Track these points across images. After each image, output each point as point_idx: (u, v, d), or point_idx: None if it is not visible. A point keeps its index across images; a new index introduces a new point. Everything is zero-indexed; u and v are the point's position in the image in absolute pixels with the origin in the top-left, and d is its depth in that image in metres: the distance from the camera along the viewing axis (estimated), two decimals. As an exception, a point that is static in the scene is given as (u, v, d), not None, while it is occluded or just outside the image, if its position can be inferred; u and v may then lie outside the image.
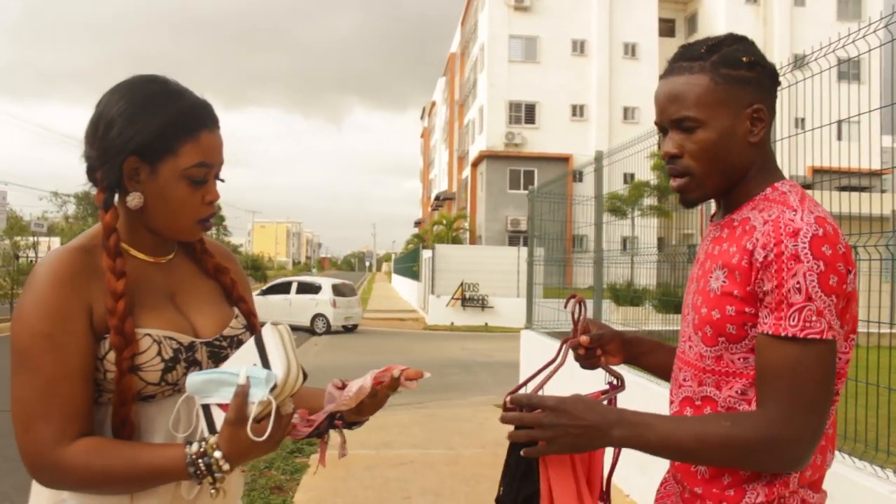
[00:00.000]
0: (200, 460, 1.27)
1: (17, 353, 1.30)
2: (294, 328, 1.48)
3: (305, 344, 17.52)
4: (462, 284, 23.64)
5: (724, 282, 1.37)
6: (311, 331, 20.28)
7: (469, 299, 23.65)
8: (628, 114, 37.69)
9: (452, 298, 23.63)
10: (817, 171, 4.08)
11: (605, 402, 1.47)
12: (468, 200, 41.94)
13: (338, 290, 21.08)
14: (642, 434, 1.33)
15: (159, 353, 1.37)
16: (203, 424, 1.31)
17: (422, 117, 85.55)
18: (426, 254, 27.48)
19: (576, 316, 1.68)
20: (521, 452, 1.39)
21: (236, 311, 1.58)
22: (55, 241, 31.70)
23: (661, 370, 1.72)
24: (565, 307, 1.71)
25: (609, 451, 1.52)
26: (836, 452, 3.11)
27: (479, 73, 40.12)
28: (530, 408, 1.35)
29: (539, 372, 1.63)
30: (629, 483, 5.04)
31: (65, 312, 1.30)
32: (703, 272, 1.47)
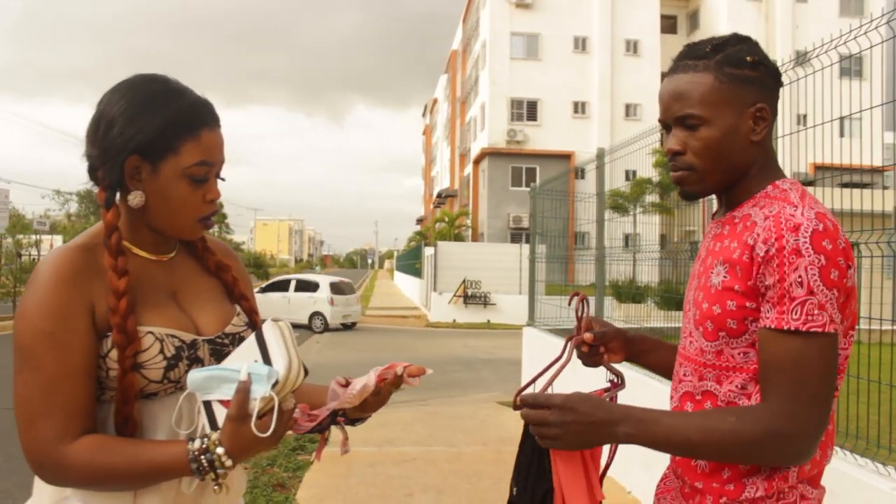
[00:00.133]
0: (203, 456, 1.27)
1: (20, 351, 1.31)
2: (293, 326, 1.49)
3: (307, 341, 17.53)
4: (464, 282, 23.64)
5: (725, 277, 1.38)
6: (308, 329, 20.28)
7: (471, 296, 23.65)
8: (630, 111, 37.64)
9: (454, 296, 23.63)
10: (819, 168, 4.07)
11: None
12: (470, 198, 41.92)
13: (336, 289, 21.06)
14: (648, 430, 1.34)
15: (161, 351, 1.37)
16: (205, 421, 1.32)
17: (424, 114, 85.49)
18: (428, 251, 27.46)
19: (580, 313, 1.70)
20: (538, 444, 1.42)
21: (238, 308, 1.59)
22: (57, 240, 31.73)
23: (662, 368, 1.74)
24: (569, 305, 1.73)
25: (605, 448, 1.53)
26: (838, 449, 3.12)
27: (481, 71, 40.08)
28: (538, 406, 1.37)
29: (546, 369, 1.65)
30: (630, 479, 5.05)
31: (67, 311, 1.31)
32: (704, 268, 1.48)
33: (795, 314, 1.28)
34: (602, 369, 1.75)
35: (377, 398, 1.51)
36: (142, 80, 1.44)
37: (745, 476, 1.37)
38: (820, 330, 1.28)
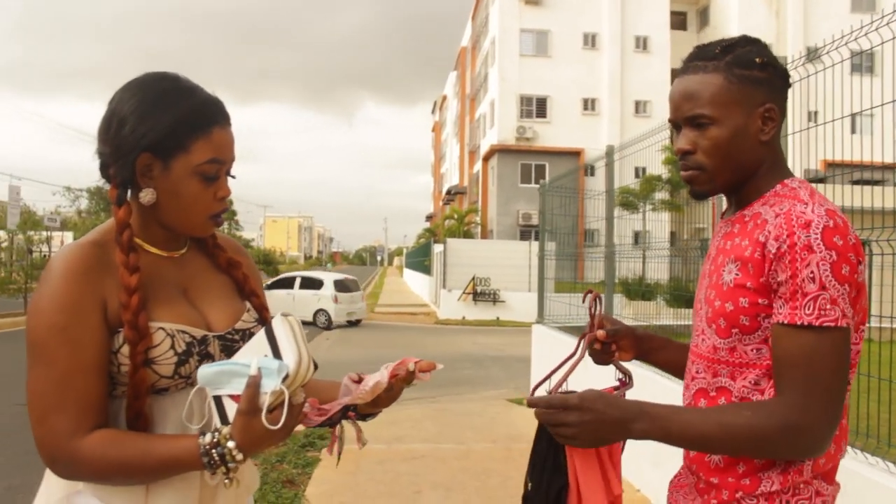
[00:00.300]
0: (214, 450, 1.28)
1: (33, 346, 1.32)
2: None
3: (317, 338, 17.57)
4: (473, 279, 23.63)
5: (738, 274, 1.40)
6: (313, 326, 20.29)
7: (480, 294, 23.64)
8: (640, 107, 37.50)
9: (464, 293, 23.63)
10: (831, 165, 4.05)
11: None
12: (479, 195, 41.89)
13: (341, 286, 21.07)
14: (664, 426, 1.36)
15: (172, 347, 1.38)
16: (215, 415, 1.33)
17: (433, 112, 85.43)
18: (437, 248, 27.47)
19: (594, 311, 1.72)
20: (556, 440, 1.44)
21: (248, 304, 1.60)
22: (68, 236, 31.89)
23: (671, 366, 1.77)
24: (583, 302, 1.75)
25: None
26: (849, 448, 3.11)
27: (491, 68, 40.01)
28: (553, 407, 1.39)
29: (560, 366, 1.68)
30: (640, 477, 5.04)
31: (79, 306, 1.32)
32: (715, 267, 1.50)
33: (808, 309, 1.30)
34: (610, 368, 1.77)
35: (389, 394, 1.52)
36: (153, 78, 1.45)
37: (760, 470, 1.39)
38: (832, 324, 1.29)
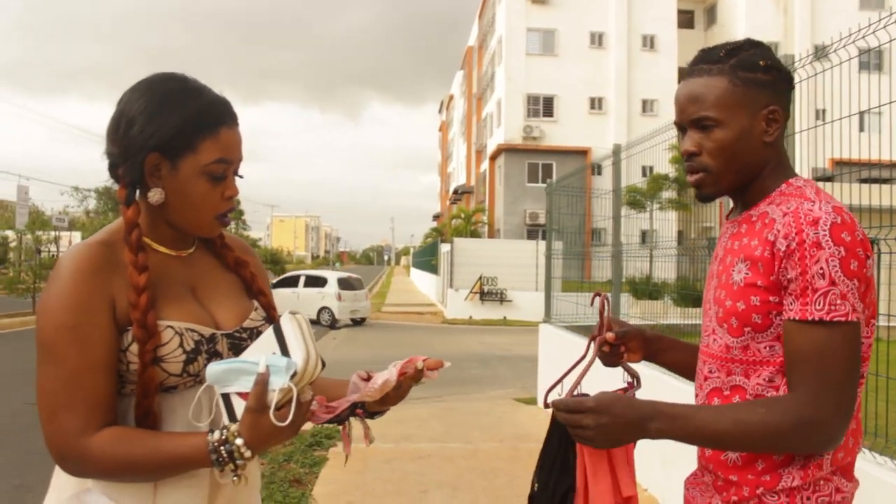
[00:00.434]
0: (222, 448, 1.29)
1: (43, 344, 1.33)
2: None
3: (324, 338, 17.60)
4: (480, 278, 23.63)
5: (748, 273, 1.42)
6: (317, 324, 20.33)
7: (488, 293, 23.64)
8: (647, 106, 37.44)
9: (471, 292, 23.63)
10: (839, 163, 4.03)
11: None
12: (486, 194, 41.90)
13: (344, 284, 21.14)
14: (679, 425, 1.38)
15: (181, 345, 1.39)
16: (224, 413, 1.34)
17: (440, 111, 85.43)
18: (444, 247, 27.45)
19: (604, 313, 1.74)
20: (574, 440, 1.47)
21: (255, 303, 1.61)
22: (76, 236, 32.01)
23: (680, 367, 1.80)
24: (591, 304, 1.78)
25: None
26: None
27: (497, 67, 40.00)
28: (571, 412, 1.41)
29: (571, 369, 1.72)
30: (648, 477, 5.03)
31: (89, 305, 1.33)
32: (723, 267, 1.52)
33: (819, 305, 1.32)
34: (618, 370, 1.79)
35: (397, 392, 1.53)
36: (160, 78, 1.46)
37: (780, 466, 1.40)
38: (843, 319, 1.31)
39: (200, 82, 1.49)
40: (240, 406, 1.31)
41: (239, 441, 1.28)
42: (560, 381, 1.71)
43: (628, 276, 7.53)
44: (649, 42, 37.84)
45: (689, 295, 6.79)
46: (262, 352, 1.31)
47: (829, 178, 4.15)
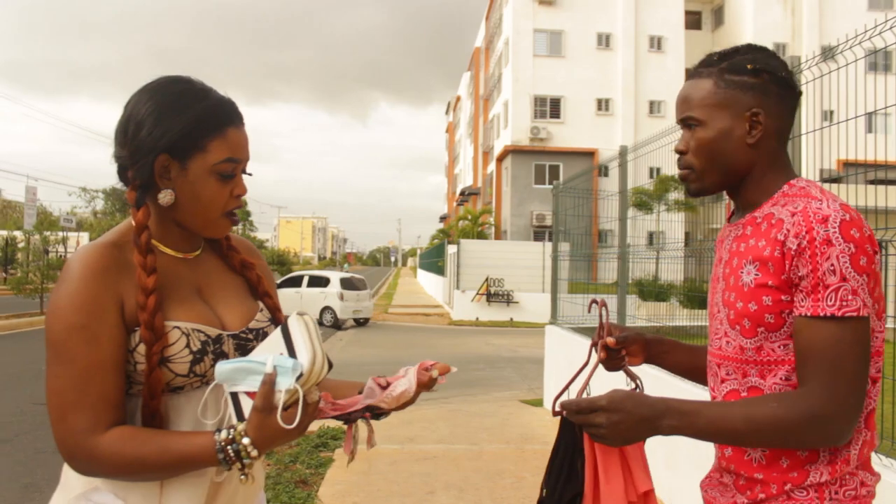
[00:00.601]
0: (229, 447, 1.30)
1: (52, 344, 1.34)
2: None
3: (331, 339, 17.63)
4: (487, 280, 23.63)
5: (758, 274, 1.44)
6: (320, 324, 20.34)
7: (494, 294, 23.63)
8: (654, 108, 37.39)
9: (477, 294, 23.62)
10: (846, 165, 4.02)
11: None
12: (493, 195, 41.88)
13: (347, 284, 21.22)
14: (691, 421, 1.40)
15: (188, 346, 1.40)
16: (231, 412, 1.35)
17: (447, 112, 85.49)
18: (451, 249, 27.47)
19: (603, 319, 1.76)
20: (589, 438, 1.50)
21: (261, 305, 1.62)
22: (84, 237, 32.15)
23: (681, 368, 1.82)
24: (589, 311, 1.79)
25: None
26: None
27: (504, 68, 40.01)
28: (584, 411, 1.43)
29: (576, 376, 1.75)
30: (653, 477, 5.02)
31: (98, 305, 1.34)
32: (731, 270, 1.53)
33: (830, 301, 1.34)
34: (620, 374, 1.81)
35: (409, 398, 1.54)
36: (167, 81, 1.48)
37: (806, 463, 1.41)
38: (854, 314, 1.33)
39: (206, 84, 1.51)
40: (248, 405, 1.32)
41: (246, 440, 1.30)
42: (566, 388, 1.73)
43: (635, 277, 7.51)
44: (656, 43, 37.77)
45: (696, 296, 6.77)
46: (269, 352, 1.32)
47: (837, 180, 4.14)
